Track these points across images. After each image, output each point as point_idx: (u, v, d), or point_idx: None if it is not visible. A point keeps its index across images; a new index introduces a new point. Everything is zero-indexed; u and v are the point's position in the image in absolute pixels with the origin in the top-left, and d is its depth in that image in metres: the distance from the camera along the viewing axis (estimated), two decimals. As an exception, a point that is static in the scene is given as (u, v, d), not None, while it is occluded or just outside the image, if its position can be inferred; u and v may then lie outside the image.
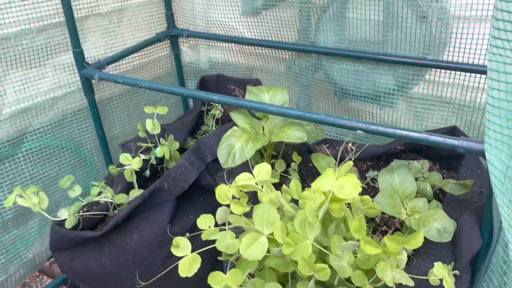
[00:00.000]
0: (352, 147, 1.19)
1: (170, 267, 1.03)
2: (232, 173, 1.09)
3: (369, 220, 0.99)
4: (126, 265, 1.01)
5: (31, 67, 1.15)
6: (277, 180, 0.71)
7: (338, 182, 0.60)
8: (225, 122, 1.46)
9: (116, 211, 1.09)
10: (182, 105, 1.62)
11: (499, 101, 0.53)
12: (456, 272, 0.72)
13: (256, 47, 1.41)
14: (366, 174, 1.16)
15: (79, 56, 1.16)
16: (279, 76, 1.45)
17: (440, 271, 0.67)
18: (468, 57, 1.06)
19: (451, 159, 1.10)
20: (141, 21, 1.38)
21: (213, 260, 1.09)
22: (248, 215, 0.73)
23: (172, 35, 1.46)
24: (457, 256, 0.80)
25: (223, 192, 0.67)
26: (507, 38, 0.46)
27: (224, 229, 0.69)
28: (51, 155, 1.23)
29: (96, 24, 1.26)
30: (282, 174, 1.06)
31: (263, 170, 0.74)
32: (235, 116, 1.02)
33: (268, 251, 0.66)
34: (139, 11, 1.36)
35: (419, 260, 0.80)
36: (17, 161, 1.16)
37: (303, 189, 0.76)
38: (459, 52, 1.06)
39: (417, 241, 0.63)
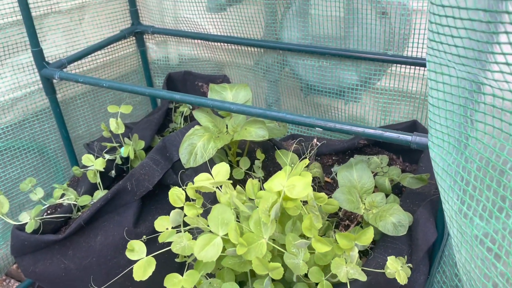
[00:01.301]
0: (318, 143, 1.21)
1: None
2: (198, 170, 1.08)
3: (333, 214, 1.01)
4: (91, 268, 1.01)
5: (-12, 67, 1.12)
6: (230, 182, 0.72)
7: (290, 181, 0.61)
8: (194, 119, 1.45)
9: (80, 213, 1.07)
10: (150, 102, 1.61)
11: (438, 101, 0.54)
12: (410, 265, 0.74)
13: (223, 43, 1.40)
14: (332, 169, 1.17)
15: (38, 55, 1.13)
16: (248, 72, 1.45)
17: (393, 265, 0.69)
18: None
19: (413, 152, 1.13)
20: (104, 18, 1.35)
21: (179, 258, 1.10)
22: (207, 214, 0.73)
23: (137, 32, 1.44)
24: (413, 248, 0.82)
25: (176, 195, 0.67)
26: (440, 40, 0.47)
27: (180, 231, 0.69)
28: (13, 157, 1.20)
29: (56, 22, 1.23)
30: (246, 171, 1.06)
31: (221, 170, 0.75)
32: (198, 115, 1.01)
33: (225, 250, 0.67)
34: (101, 8, 1.33)
35: (377, 253, 0.82)
36: (-24, 164, 1.13)
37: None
38: (418, 48, 1.07)
39: (367, 238, 0.64)
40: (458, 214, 0.52)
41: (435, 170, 0.58)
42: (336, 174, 1.14)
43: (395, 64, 1.14)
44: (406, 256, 0.77)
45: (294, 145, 1.24)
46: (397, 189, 1.06)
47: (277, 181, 0.61)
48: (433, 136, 0.57)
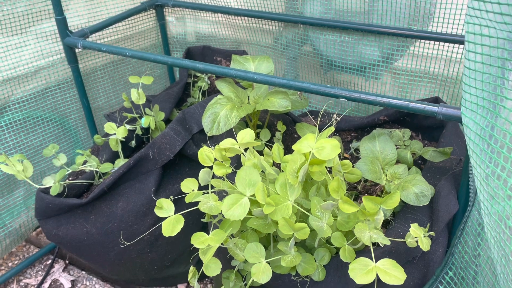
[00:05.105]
0: (337, 118, 1.21)
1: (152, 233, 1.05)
2: (218, 142, 1.10)
3: (352, 187, 1.01)
4: (112, 233, 1.03)
5: (12, 34, 1.13)
6: (258, 143, 0.72)
7: (318, 143, 0.61)
8: (212, 94, 1.46)
9: (101, 180, 1.09)
10: (168, 77, 1.61)
11: (475, 64, 0.54)
12: (432, 233, 0.75)
13: (243, 19, 1.40)
14: (350, 145, 1.17)
15: (61, 23, 1.14)
16: (266, 49, 1.45)
17: (416, 232, 0.69)
18: (452, 28, 1.06)
19: (433, 130, 1.12)
20: (125, -11, 1.35)
21: (199, 229, 1.11)
22: (231, 180, 0.74)
23: (158, 4, 1.44)
24: (434, 219, 0.83)
25: (205, 154, 0.68)
26: (483, -3, 0.46)
27: (208, 193, 0.70)
28: (35, 125, 1.22)
29: (79, -9, 1.23)
30: (267, 143, 1.07)
31: (246, 135, 0.75)
32: (220, 85, 1.02)
33: (250, 213, 0.68)
34: (123, -21, 1.33)
35: (398, 224, 0.83)
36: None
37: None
38: (443, 23, 1.06)
39: (393, 201, 0.65)
40: (491, 177, 0.52)
41: (466, 135, 0.58)
42: (354, 150, 1.15)
43: (418, 41, 1.13)
44: (428, 226, 0.77)
45: (313, 119, 1.24)
46: (416, 165, 1.05)
47: (306, 143, 0.62)
48: (467, 101, 0.57)
